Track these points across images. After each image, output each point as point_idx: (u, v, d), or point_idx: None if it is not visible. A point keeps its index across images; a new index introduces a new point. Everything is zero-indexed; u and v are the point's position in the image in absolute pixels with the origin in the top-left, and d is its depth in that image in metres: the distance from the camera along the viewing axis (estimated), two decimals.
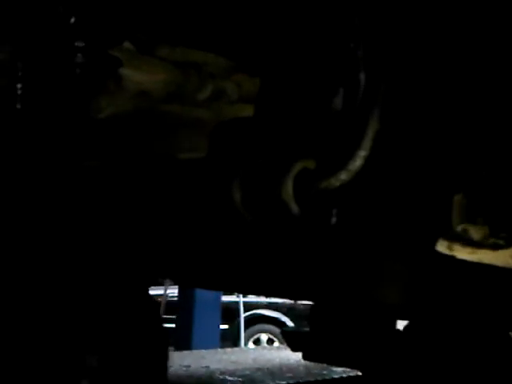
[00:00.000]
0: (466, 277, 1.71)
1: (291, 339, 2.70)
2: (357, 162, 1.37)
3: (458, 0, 1.46)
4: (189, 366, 4.10)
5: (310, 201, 1.37)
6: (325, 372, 3.85)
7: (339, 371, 3.75)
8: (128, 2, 1.25)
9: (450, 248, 1.61)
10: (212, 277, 1.52)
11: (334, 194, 1.39)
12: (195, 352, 5.46)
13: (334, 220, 1.42)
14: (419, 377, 2.29)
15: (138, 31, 1.26)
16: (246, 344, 8.84)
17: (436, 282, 1.70)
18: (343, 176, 1.36)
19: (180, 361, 4.18)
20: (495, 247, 1.62)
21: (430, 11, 1.47)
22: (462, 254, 1.64)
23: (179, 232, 1.42)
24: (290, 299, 7.41)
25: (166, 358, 1.48)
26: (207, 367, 4.14)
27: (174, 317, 6.90)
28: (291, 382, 3.67)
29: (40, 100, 1.17)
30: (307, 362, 3.11)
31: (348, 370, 3.31)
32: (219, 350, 6.06)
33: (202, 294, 6.62)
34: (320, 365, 3.64)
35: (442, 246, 1.61)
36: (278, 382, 3.67)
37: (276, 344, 8.69)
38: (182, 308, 6.86)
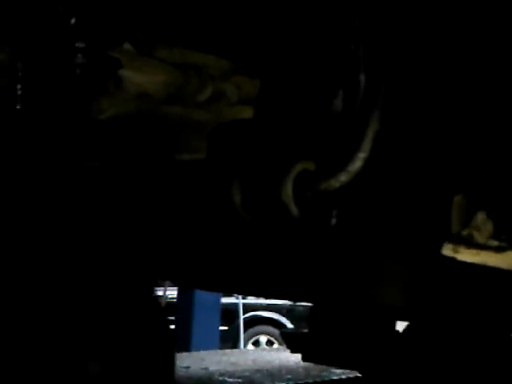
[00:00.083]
0: (466, 278, 1.71)
1: (290, 341, 2.70)
2: (356, 164, 1.37)
3: (458, 3, 1.46)
4: (188, 368, 4.10)
5: (309, 202, 1.37)
6: (324, 373, 3.85)
7: (338, 372, 3.75)
8: (128, 4, 1.25)
9: (454, 250, 1.61)
10: (211, 278, 1.52)
11: (334, 196, 1.40)
12: (194, 353, 5.46)
13: (333, 221, 1.42)
14: (418, 378, 2.29)
15: (138, 33, 1.26)
16: (245, 345, 8.84)
17: (436, 284, 1.70)
18: (343, 177, 1.36)
19: (179, 362, 4.18)
20: (499, 249, 1.62)
21: (429, 13, 1.47)
22: (467, 256, 1.64)
23: (179, 233, 1.42)
24: (290, 301, 7.41)
25: (172, 359, 1.48)
26: (206, 369, 4.15)
27: (173, 318, 6.90)
28: (290, 383, 3.67)
29: (40, 101, 1.17)
30: (306, 364, 3.11)
31: (347, 371, 3.31)
32: (218, 351, 6.06)
33: (201, 296, 6.61)
34: (319, 366, 3.64)
35: (446, 249, 1.61)
36: (277, 383, 3.67)
37: (275, 345, 8.68)
38: (182, 309, 6.85)
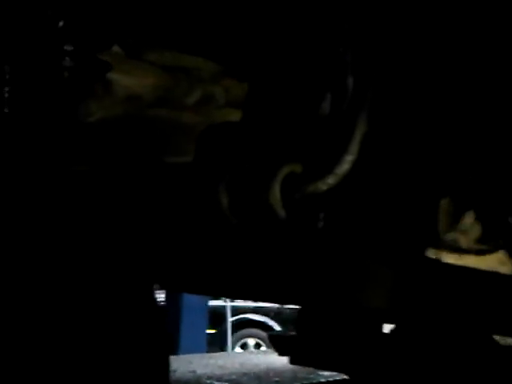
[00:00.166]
0: (452, 280, 1.72)
1: (278, 343, 2.70)
2: (344, 167, 1.38)
3: (445, 8, 1.47)
4: (176, 371, 4.10)
5: (297, 205, 1.38)
6: (311, 376, 3.86)
7: (326, 375, 3.76)
8: (117, 7, 1.25)
9: (437, 255, 1.62)
10: (198, 281, 1.52)
11: (321, 198, 1.40)
12: (182, 357, 5.45)
13: (320, 224, 1.43)
14: (405, 380, 2.30)
15: (126, 35, 1.26)
16: (233, 348, 8.83)
17: (422, 286, 1.71)
18: (330, 180, 1.37)
19: None
20: (481, 253, 1.64)
21: (417, 17, 1.48)
22: (450, 259, 1.65)
23: (165, 235, 1.42)
24: (277, 303, 7.41)
25: (167, 362, 1.48)
26: (194, 372, 4.14)
27: None
28: None
29: (28, 104, 1.17)
30: (294, 366, 3.11)
31: (334, 373, 3.32)
32: (206, 354, 6.05)
33: (189, 299, 6.61)
34: (307, 369, 3.64)
35: (430, 253, 1.62)
36: None
37: (263, 348, 8.68)
38: (170, 313, 6.85)
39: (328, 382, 3.69)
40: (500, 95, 1.60)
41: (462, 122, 1.60)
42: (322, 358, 2.45)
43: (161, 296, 7.68)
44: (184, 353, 6.02)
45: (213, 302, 8.22)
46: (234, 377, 3.98)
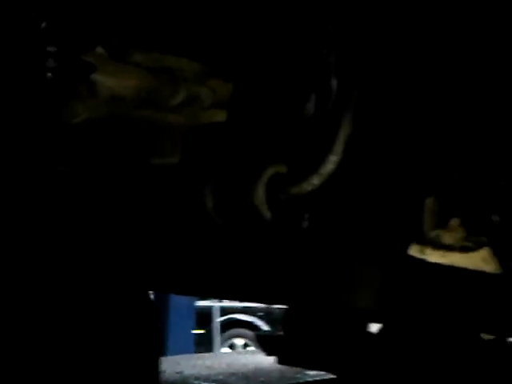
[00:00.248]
0: (438, 280, 1.73)
1: (265, 343, 2.70)
2: (328, 167, 1.38)
3: (429, 10, 1.48)
4: (163, 372, 4.08)
5: (282, 205, 1.38)
6: (299, 375, 3.86)
7: (313, 374, 3.76)
8: (100, 8, 1.25)
9: (421, 252, 1.63)
10: (184, 282, 1.52)
11: (306, 199, 1.40)
12: (169, 358, 5.44)
13: (305, 224, 1.43)
14: (392, 379, 2.31)
15: (110, 37, 1.26)
16: (221, 348, 8.83)
17: (409, 285, 1.72)
18: (315, 180, 1.37)
19: None
20: (465, 250, 1.65)
21: (401, 19, 1.48)
22: (434, 257, 1.66)
23: (150, 237, 1.42)
24: (263, 304, 7.41)
25: (157, 362, 1.48)
26: (181, 372, 4.13)
27: None
28: None
29: (11, 105, 1.17)
30: (282, 366, 3.11)
31: (322, 373, 3.32)
32: (194, 355, 6.04)
33: (176, 300, 6.60)
34: (294, 369, 3.64)
35: (414, 250, 1.62)
36: None
37: (251, 348, 8.68)
38: None
39: (315, 381, 3.70)
40: (484, 94, 1.61)
41: (447, 121, 1.61)
42: (309, 358, 2.46)
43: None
44: (171, 354, 6.00)
45: (201, 303, 8.22)
46: (221, 377, 3.98)
